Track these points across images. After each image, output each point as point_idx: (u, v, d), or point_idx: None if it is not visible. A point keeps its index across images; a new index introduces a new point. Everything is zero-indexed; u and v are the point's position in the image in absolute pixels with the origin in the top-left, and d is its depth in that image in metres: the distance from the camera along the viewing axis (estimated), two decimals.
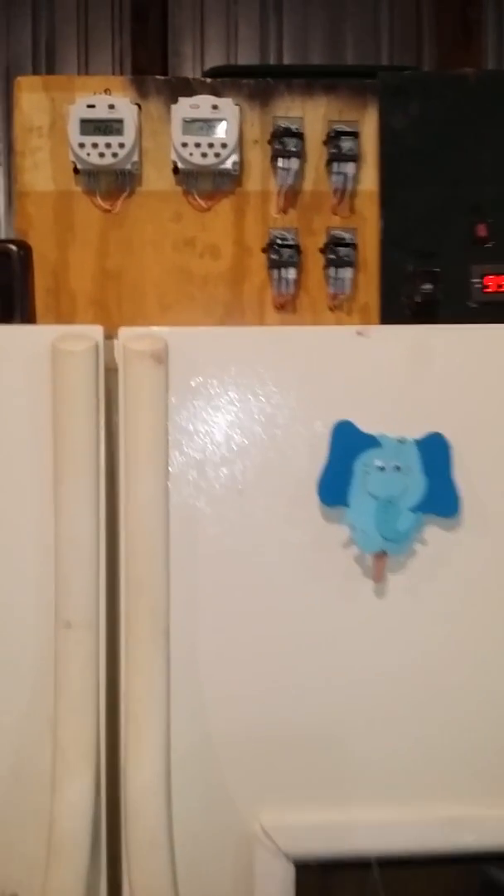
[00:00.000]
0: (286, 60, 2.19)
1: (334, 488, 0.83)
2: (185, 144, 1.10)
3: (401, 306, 1.07)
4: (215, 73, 1.14)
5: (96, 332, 0.82)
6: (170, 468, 0.83)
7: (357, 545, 0.84)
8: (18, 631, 0.83)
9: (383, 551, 0.83)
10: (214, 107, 1.11)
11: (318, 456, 0.83)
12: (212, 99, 1.11)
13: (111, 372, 0.83)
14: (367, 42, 2.23)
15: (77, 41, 2.29)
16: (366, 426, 0.83)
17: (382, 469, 0.82)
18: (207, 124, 1.10)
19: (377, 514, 0.82)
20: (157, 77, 1.14)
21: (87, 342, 0.81)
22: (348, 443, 0.83)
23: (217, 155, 1.10)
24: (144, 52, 2.23)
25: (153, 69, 2.16)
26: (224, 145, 1.11)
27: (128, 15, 2.25)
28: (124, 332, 0.82)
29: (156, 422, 0.81)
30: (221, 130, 1.10)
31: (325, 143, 1.12)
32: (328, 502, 0.84)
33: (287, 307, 1.12)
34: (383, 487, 0.82)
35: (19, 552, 0.83)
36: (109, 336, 0.83)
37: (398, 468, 0.82)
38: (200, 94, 1.11)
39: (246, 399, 0.84)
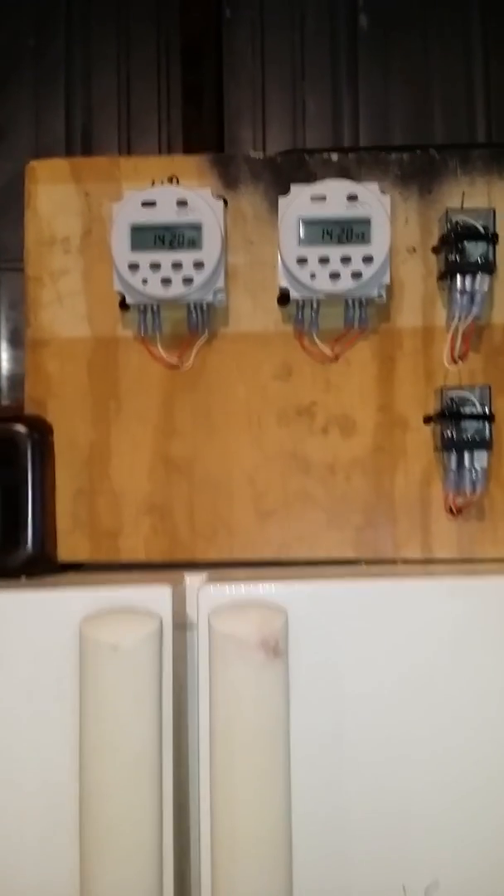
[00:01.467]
0: (363, 141, 2.33)
1: None
2: (303, 260, 1.02)
3: None
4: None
5: (160, 597, 0.77)
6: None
7: None
8: None
9: None
10: (352, 197, 1.02)
11: None
12: (348, 185, 1.02)
13: (177, 629, 0.79)
14: (460, 117, 2.39)
15: (118, 126, 2.47)
16: None
17: None
18: (340, 226, 1.02)
19: None
20: (255, 153, 1.08)
21: (144, 626, 0.74)
22: None
23: (357, 275, 1.01)
24: (197, 136, 2.46)
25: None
26: (368, 259, 1.01)
27: (176, 96, 2.47)
28: (207, 594, 0.77)
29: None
30: (363, 235, 1.02)
31: None
32: None
33: (470, 511, 1.06)
34: None
35: None
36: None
37: None
38: (324, 177, 1.04)
39: (425, 703, 0.80)
